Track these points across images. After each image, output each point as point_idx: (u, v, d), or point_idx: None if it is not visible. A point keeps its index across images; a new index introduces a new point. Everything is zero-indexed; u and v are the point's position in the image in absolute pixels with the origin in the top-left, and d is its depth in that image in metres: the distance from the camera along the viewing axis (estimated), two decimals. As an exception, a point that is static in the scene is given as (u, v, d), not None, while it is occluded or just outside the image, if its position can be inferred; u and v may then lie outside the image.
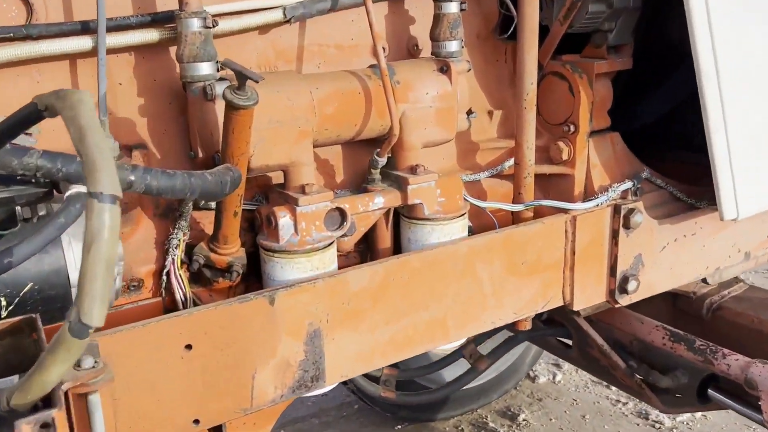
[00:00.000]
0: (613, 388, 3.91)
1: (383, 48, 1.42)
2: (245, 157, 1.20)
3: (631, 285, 1.71)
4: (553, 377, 4.06)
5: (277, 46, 1.49)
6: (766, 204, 1.72)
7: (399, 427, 3.69)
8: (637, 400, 3.80)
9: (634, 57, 1.87)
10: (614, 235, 1.67)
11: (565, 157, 1.70)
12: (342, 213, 1.38)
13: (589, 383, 3.99)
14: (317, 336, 1.33)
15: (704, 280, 2.08)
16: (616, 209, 1.66)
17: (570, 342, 2.38)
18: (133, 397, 1.17)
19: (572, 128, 1.67)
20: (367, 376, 2.24)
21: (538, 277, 1.62)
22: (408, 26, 1.65)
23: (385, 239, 1.55)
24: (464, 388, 3.63)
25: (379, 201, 1.45)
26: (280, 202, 1.36)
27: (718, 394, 2.03)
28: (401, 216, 1.55)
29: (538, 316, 2.45)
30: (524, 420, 3.69)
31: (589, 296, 1.70)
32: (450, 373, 3.51)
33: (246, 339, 1.24)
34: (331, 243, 1.38)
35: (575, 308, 1.69)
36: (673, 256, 1.80)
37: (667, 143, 2.11)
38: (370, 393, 2.19)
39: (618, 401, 3.80)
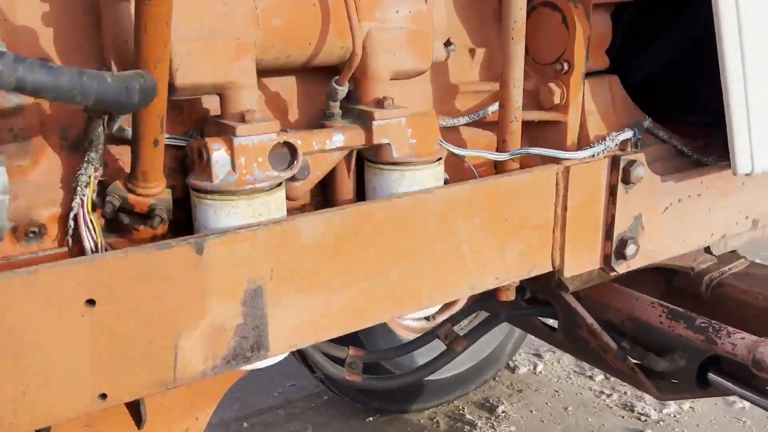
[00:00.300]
0: (597, 379, 3.72)
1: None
2: (164, 66, 0.95)
3: (630, 249, 1.49)
4: (534, 368, 3.86)
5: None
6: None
7: (371, 419, 3.46)
8: (622, 392, 3.61)
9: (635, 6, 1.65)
10: (612, 191, 1.45)
11: (557, 100, 1.47)
12: (292, 150, 1.14)
13: (571, 374, 3.80)
14: (258, 296, 1.09)
15: (707, 250, 1.87)
16: (615, 161, 1.44)
17: (555, 325, 2.16)
18: (21, 366, 0.92)
19: (566, 67, 1.45)
20: (331, 357, 1.99)
21: (524, 237, 1.39)
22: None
23: (346, 189, 1.31)
24: (440, 377, 3.42)
25: (339, 139, 1.22)
26: (216, 133, 1.12)
27: (719, 378, 1.82)
28: (366, 161, 1.32)
29: (520, 294, 2.23)
30: (503, 412, 3.48)
31: (581, 262, 1.48)
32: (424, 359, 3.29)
33: (166, 296, 1.00)
34: (278, 186, 1.14)
35: (566, 275, 1.46)
36: (676, 219, 1.58)
37: (663, 104, 1.90)
38: (333, 376, 1.94)
39: (602, 393, 3.61)
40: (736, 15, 1.36)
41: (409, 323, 3.34)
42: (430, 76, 1.50)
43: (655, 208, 1.53)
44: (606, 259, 1.50)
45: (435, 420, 3.45)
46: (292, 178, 1.20)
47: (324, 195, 1.36)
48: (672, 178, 1.54)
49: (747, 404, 3.47)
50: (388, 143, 1.25)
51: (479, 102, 1.54)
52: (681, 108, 1.81)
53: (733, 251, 2.22)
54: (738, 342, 1.71)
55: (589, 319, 1.96)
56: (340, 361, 2.07)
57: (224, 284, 1.05)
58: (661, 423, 3.35)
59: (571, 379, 3.76)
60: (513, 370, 3.85)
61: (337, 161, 1.26)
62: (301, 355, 3.26)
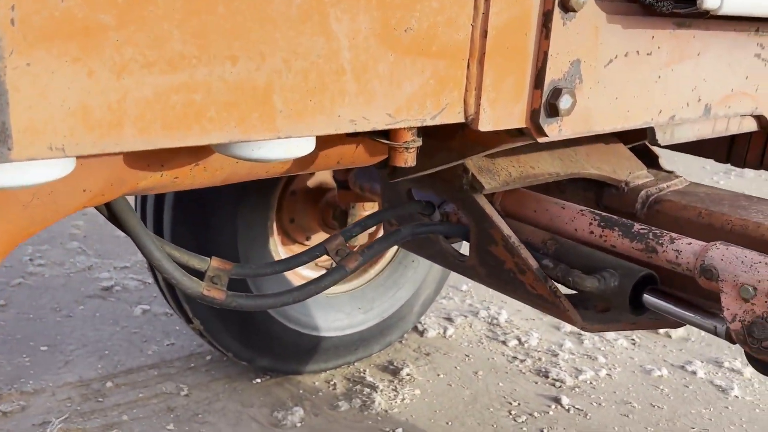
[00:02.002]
0: (510, 344, 3.43)
1: None
2: None
3: (564, 102, 1.14)
4: (444, 331, 3.53)
5: None
6: (752, 5, 1.20)
7: (258, 380, 3.03)
8: (537, 358, 3.33)
9: None
10: (546, 19, 1.10)
11: None
12: None
13: (483, 338, 3.49)
14: (-12, 49, 0.66)
15: (652, 137, 1.56)
16: (551, -23, 1.08)
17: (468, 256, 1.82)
18: None
19: None
20: (186, 268, 1.56)
21: (428, 62, 1.02)
22: None
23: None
24: (339, 335, 3.03)
25: None
26: None
27: (656, 299, 1.51)
28: None
29: (428, 211, 1.86)
30: (408, 375, 3.13)
31: (502, 113, 1.12)
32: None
33: None
34: None
35: (481, 128, 1.10)
36: (620, 80, 1.25)
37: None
38: (188, 290, 1.52)
39: (515, 358, 3.32)
40: None
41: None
42: None
43: (597, 58, 1.19)
44: (534, 115, 1.15)
45: (332, 383, 3.06)
46: None
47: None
48: (620, 22, 1.20)
49: (665, 372, 3.26)
50: None
51: None
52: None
53: (672, 171, 1.95)
54: (683, 248, 1.40)
55: (506, 230, 1.62)
56: (199, 275, 1.64)
57: None
58: (576, 389, 3.09)
59: (483, 343, 3.45)
60: (421, 333, 3.51)
61: None
62: (154, 273, 2.77)
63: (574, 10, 1.10)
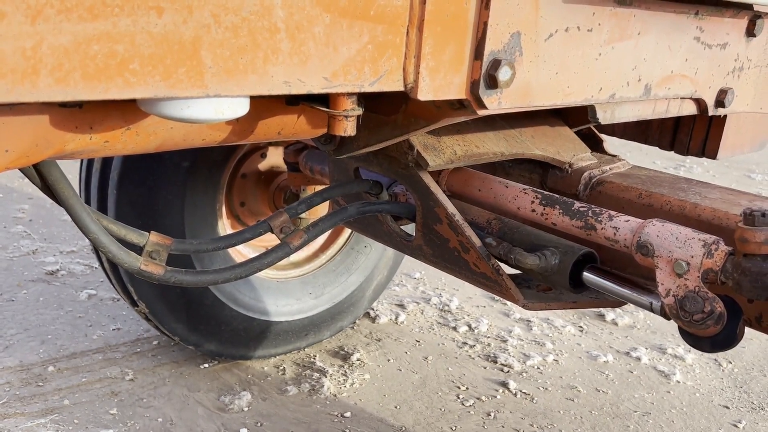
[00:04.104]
0: (461, 330, 3.45)
1: None
2: None
3: (503, 73, 1.14)
4: (396, 318, 3.54)
5: None
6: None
7: (206, 365, 2.99)
8: (486, 343, 3.36)
9: None
10: (485, -11, 1.10)
11: None
12: None
13: (435, 324, 3.51)
14: None
15: (593, 115, 1.58)
16: (491, -55, 1.08)
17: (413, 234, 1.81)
18: None
19: None
20: (125, 243, 1.52)
21: (366, 27, 1.01)
22: None
23: None
24: (289, 320, 3.00)
25: None
26: None
27: (595, 277, 1.54)
28: None
29: (376, 192, 1.86)
30: (358, 360, 3.12)
31: (442, 83, 1.12)
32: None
33: None
34: None
35: (420, 97, 1.09)
36: (560, 54, 1.26)
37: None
38: (125, 264, 1.47)
39: (465, 344, 3.34)
40: None
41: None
42: None
43: (537, 31, 1.20)
44: (473, 87, 1.15)
45: (281, 368, 3.03)
46: None
47: None
48: (560, -4, 1.21)
49: (611, 358, 3.32)
50: None
51: None
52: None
53: (616, 155, 1.98)
54: (621, 225, 1.42)
55: (450, 208, 1.62)
56: (136, 249, 1.60)
57: None
58: (524, 374, 3.13)
59: (434, 329, 3.47)
60: (373, 319, 3.51)
61: None
62: (99, 256, 2.67)
63: (514, -19, 1.10)
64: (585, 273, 1.55)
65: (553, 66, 1.26)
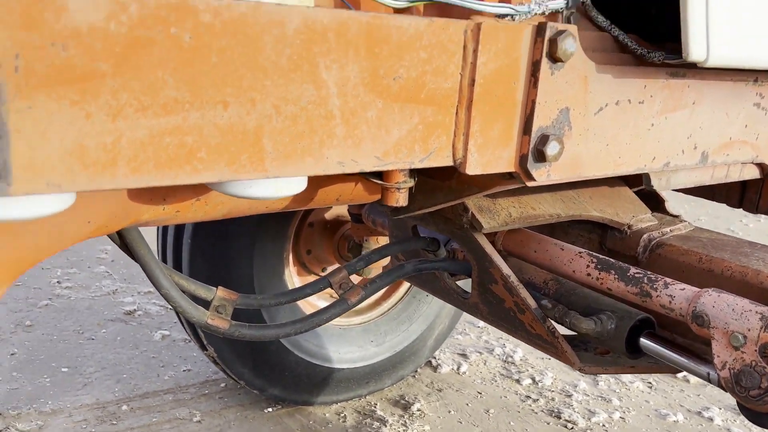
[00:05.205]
0: (524, 383, 3.40)
1: None
2: None
3: (552, 148, 1.18)
4: (458, 368, 3.53)
5: None
6: (747, 57, 1.23)
7: (270, 409, 3.06)
8: (550, 398, 3.30)
9: None
10: (534, 69, 1.15)
11: (473, -49, 1.17)
12: None
13: (497, 376, 3.48)
14: (-5, 95, 0.73)
15: (647, 182, 1.58)
16: (540, 29, 1.13)
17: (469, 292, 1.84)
18: None
19: None
20: (193, 297, 1.62)
21: (417, 109, 1.07)
22: None
23: None
24: (351, 367, 3.05)
25: None
26: None
27: (652, 343, 1.52)
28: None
29: (433, 249, 1.90)
30: (419, 410, 3.13)
31: (490, 158, 1.16)
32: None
33: None
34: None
35: (469, 171, 1.14)
36: (611, 127, 1.28)
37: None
38: (193, 318, 1.57)
39: (528, 397, 3.29)
40: None
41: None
42: None
43: (587, 105, 1.23)
44: (522, 160, 1.19)
45: (342, 415, 3.07)
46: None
47: None
48: (610, 72, 1.24)
49: (681, 417, 3.20)
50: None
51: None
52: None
53: (678, 215, 1.96)
54: (676, 293, 1.41)
55: (505, 269, 1.64)
56: (205, 304, 1.70)
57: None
58: (588, 431, 3.05)
59: (496, 381, 3.44)
60: (435, 368, 3.51)
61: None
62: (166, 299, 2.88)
63: (561, 61, 1.14)
64: (642, 339, 1.53)
65: (604, 138, 1.28)
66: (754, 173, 1.67)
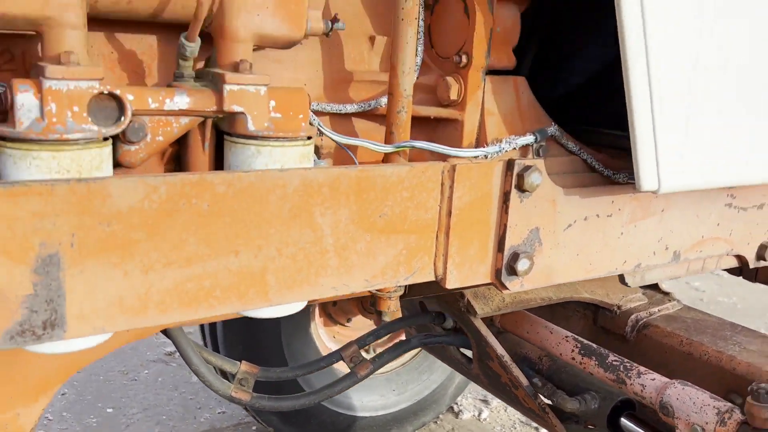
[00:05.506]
0: (544, 430, 3.51)
1: None
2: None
3: (522, 264, 1.35)
4: (479, 414, 3.66)
5: None
6: (698, 181, 1.39)
7: (297, 453, 3.25)
8: (566, 446, 3.41)
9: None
10: (505, 198, 1.33)
11: (453, 96, 1.36)
12: (120, 104, 1.02)
13: (517, 423, 3.60)
14: (55, 264, 0.95)
15: (621, 279, 1.73)
16: (509, 165, 1.31)
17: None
18: None
19: (464, 60, 1.33)
20: (221, 372, 1.83)
21: (401, 238, 1.26)
22: None
23: (200, 163, 1.18)
24: (374, 415, 3.23)
25: (182, 101, 1.09)
26: (30, 76, 1.00)
27: (631, 424, 1.66)
28: (224, 135, 1.19)
29: (439, 321, 2.08)
30: (438, 457, 3.28)
31: (468, 273, 1.34)
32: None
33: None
34: (100, 142, 1.01)
35: (448, 286, 1.32)
36: (581, 239, 1.45)
37: (591, 118, 1.79)
38: (218, 391, 1.78)
39: (545, 445, 3.40)
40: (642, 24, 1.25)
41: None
42: (323, 61, 1.39)
43: (557, 224, 1.40)
44: (497, 274, 1.36)
45: (365, 460, 3.24)
46: (126, 140, 1.07)
47: (179, 170, 1.23)
48: (577, 193, 1.41)
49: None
50: (243, 113, 1.13)
51: (376, 93, 1.43)
52: (607, 125, 1.70)
53: (668, 293, 2.09)
54: (647, 383, 1.56)
55: (499, 350, 1.81)
56: (228, 376, 1.92)
57: (9, 244, 0.91)
58: (602, 482, 3.14)
59: (516, 428, 3.56)
60: (456, 414, 3.66)
61: (185, 129, 1.13)
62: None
63: (528, 191, 1.32)
64: (622, 419, 1.68)
65: (574, 249, 1.45)
66: (731, 263, 1.80)
